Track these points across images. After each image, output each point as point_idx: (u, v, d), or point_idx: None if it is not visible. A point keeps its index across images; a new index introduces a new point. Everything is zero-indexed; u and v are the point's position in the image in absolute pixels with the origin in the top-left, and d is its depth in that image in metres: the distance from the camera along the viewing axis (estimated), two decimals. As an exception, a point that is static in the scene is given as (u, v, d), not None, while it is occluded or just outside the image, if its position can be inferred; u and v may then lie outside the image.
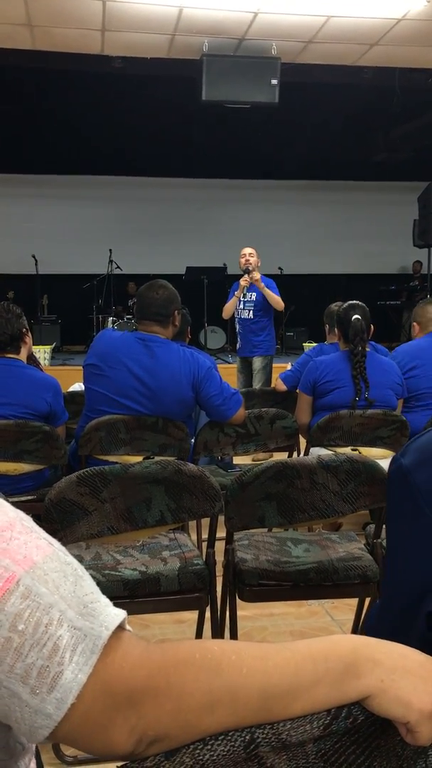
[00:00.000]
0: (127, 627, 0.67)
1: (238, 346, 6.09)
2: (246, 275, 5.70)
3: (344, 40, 6.79)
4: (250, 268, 5.69)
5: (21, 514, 0.68)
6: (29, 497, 2.88)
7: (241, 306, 5.85)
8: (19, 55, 6.99)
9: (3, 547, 0.62)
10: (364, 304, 3.38)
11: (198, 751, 0.61)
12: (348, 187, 11.76)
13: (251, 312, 5.80)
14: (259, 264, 5.82)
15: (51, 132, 9.83)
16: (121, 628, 0.65)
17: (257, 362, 5.86)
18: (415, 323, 3.74)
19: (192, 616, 2.40)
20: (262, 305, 5.77)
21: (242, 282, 5.71)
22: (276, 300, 5.69)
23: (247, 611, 2.65)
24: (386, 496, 1.05)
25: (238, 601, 2.13)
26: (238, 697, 0.62)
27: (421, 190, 9.14)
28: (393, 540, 0.97)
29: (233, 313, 5.94)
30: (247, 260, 5.76)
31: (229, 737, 0.62)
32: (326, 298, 4.97)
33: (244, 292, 5.79)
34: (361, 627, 2.32)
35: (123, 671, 0.62)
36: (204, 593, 2.05)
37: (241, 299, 5.81)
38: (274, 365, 6.02)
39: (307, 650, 0.65)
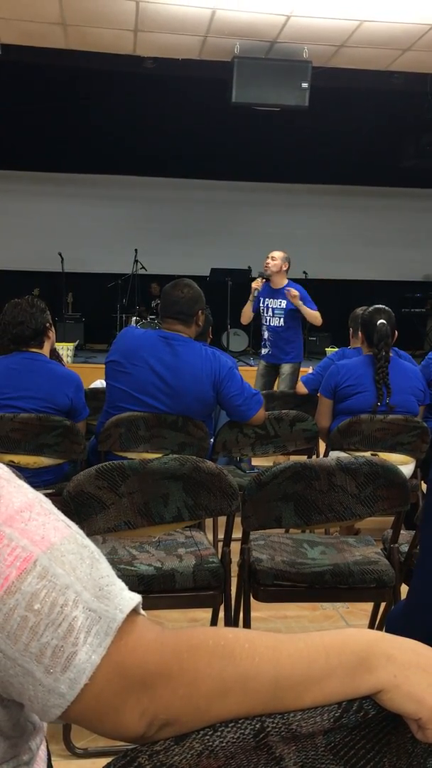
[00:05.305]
0: (142, 612, 0.67)
1: (266, 351, 5.84)
2: (259, 278, 5.57)
3: (376, 45, 6.77)
4: (265, 274, 5.56)
5: (40, 496, 0.68)
6: (48, 491, 2.90)
7: (271, 313, 5.64)
8: (52, 54, 7.05)
9: (21, 527, 0.63)
10: (389, 309, 3.36)
11: (208, 737, 0.61)
12: (375, 193, 11.70)
13: (281, 319, 5.60)
14: (285, 269, 5.60)
15: (80, 131, 9.90)
16: (135, 612, 0.65)
17: (286, 368, 5.68)
18: None
19: (205, 614, 2.40)
20: (293, 313, 5.55)
21: (253, 284, 5.58)
22: (314, 316, 5.47)
23: (260, 612, 2.64)
24: (427, 497, 1.04)
25: (252, 601, 2.13)
26: (250, 685, 0.62)
27: (449, 197, 9.07)
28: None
29: (260, 319, 5.72)
30: (267, 263, 5.61)
31: (240, 725, 0.62)
32: (350, 303, 4.92)
33: (259, 295, 5.62)
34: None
35: (137, 654, 0.62)
36: (218, 591, 2.06)
37: (271, 306, 5.61)
38: (296, 370, 5.90)
39: (320, 642, 0.65)
